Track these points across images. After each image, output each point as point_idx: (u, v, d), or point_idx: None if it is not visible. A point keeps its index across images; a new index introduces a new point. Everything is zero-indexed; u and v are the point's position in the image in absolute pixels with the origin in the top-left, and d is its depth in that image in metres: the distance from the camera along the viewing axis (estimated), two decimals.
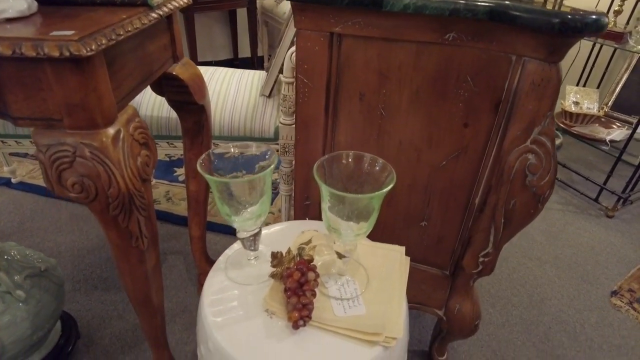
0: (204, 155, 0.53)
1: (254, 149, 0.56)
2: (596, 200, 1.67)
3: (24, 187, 1.61)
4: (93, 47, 0.47)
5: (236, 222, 0.56)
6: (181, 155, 1.84)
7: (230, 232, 1.41)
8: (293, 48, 0.98)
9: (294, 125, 1.08)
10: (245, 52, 2.84)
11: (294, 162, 1.06)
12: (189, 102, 0.82)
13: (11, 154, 1.65)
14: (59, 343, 0.97)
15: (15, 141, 1.15)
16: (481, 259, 0.79)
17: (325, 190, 0.51)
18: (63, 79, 0.49)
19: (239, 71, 1.25)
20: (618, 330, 1.17)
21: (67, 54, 0.45)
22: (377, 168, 0.53)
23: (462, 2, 0.57)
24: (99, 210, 0.55)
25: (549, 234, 1.52)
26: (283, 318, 0.55)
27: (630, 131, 1.57)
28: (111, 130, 0.53)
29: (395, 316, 0.56)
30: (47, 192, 1.58)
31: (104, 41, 0.49)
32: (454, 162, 0.74)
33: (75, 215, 1.48)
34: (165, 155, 1.85)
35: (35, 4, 0.56)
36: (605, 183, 1.64)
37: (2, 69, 0.49)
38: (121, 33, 0.53)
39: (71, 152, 0.52)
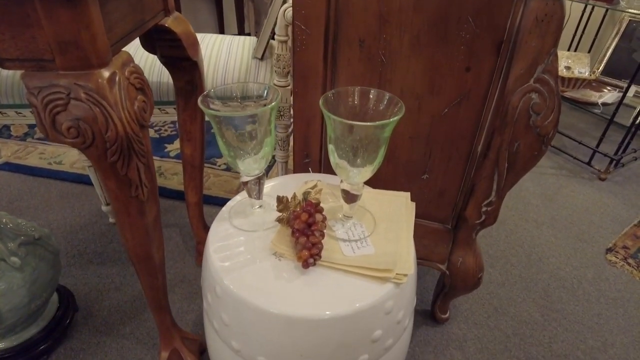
0: (205, 93, 0.51)
1: (254, 86, 0.54)
2: (589, 164, 1.69)
3: (10, 167, 1.57)
4: None
5: (239, 164, 0.55)
6: (172, 130, 1.81)
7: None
8: (286, 4, 0.95)
9: (289, 87, 1.06)
10: (231, 29, 2.78)
11: (292, 120, 1.04)
12: (181, 58, 0.80)
13: None
14: (57, 315, 0.95)
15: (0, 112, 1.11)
16: (484, 209, 0.79)
17: (333, 122, 0.49)
18: (54, 14, 0.46)
19: (228, 37, 1.22)
20: (614, 284, 1.19)
21: None
22: (384, 102, 0.52)
23: None
24: (96, 156, 0.53)
25: (544, 197, 1.53)
26: (292, 260, 0.54)
27: (621, 94, 1.58)
28: (106, 72, 0.51)
29: (405, 254, 0.55)
30: (35, 171, 1.54)
31: None
32: (456, 110, 0.73)
33: (66, 193, 1.45)
34: (155, 132, 1.81)
35: None
36: (597, 146, 1.65)
37: None
38: None
39: (65, 94, 0.49)
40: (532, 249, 1.29)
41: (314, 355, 0.50)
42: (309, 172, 0.85)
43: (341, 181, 0.55)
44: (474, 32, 0.65)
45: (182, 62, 0.81)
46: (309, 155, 0.85)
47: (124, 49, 0.58)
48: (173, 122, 1.87)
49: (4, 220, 0.82)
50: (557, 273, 1.21)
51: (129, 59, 0.57)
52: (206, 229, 1.12)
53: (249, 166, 0.55)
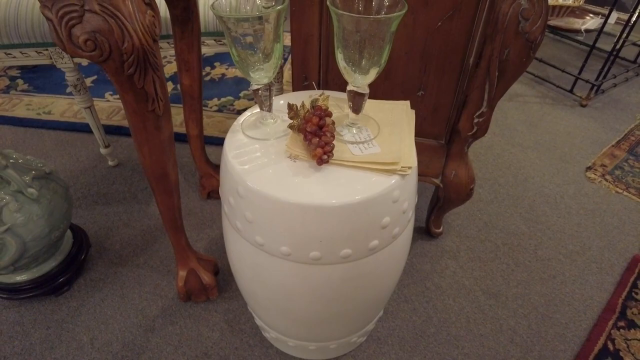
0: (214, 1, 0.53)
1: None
2: (571, 91, 1.75)
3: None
4: None
5: (250, 72, 0.57)
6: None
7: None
8: None
9: (279, 7, 1.06)
10: None
11: (290, 39, 1.05)
12: None
13: None
14: (72, 250, 1.00)
15: None
16: (476, 120, 0.84)
17: (340, 19, 0.52)
18: None
19: None
20: (592, 197, 1.28)
21: None
22: (387, 3, 0.54)
23: None
24: (113, 69, 0.55)
25: (529, 124, 1.59)
26: (306, 160, 0.58)
27: (602, 20, 1.61)
28: None
29: (408, 150, 0.60)
30: (24, 122, 1.53)
31: None
32: (449, 23, 0.76)
33: (61, 141, 1.45)
34: None
35: None
36: (579, 73, 1.71)
37: None
38: None
39: (79, 5, 0.51)
40: (518, 171, 1.37)
41: (331, 240, 0.56)
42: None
43: (348, 84, 0.59)
44: None
45: None
46: (307, 78, 0.87)
47: None
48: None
49: (14, 156, 0.84)
50: (542, 190, 1.30)
51: None
52: (208, 162, 1.16)
53: (259, 74, 0.57)
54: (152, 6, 0.59)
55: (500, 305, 0.98)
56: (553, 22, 1.75)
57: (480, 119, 0.83)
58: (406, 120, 0.67)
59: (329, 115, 0.59)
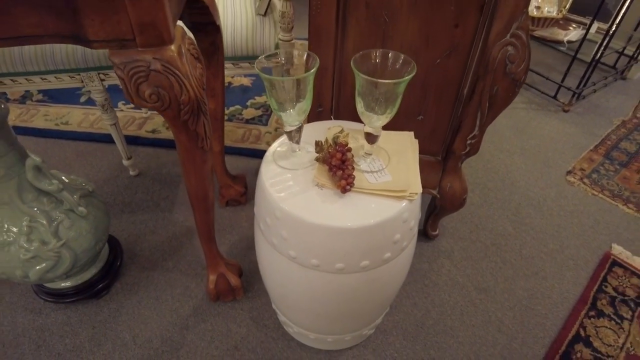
0: (260, 58, 0.64)
1: (296, 53, 0.67)
2: (554, 97, 1.88)
3: (18, 131, 1.63)
4: None
5: (283, 116, 0.69)
6: None
7: (241, 154, 1.53)
8: None
9: (293, 41, 1.17)
10: None
11: None
12: (207, 22, 0.90)
13: None
14: (109, 258, 1.11)
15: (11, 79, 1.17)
16: (469, 142, 0.96)
17: (360, 79, 0.63)
18: (137, 1, 0.57)
19: None
20: (572, 200, 1.43)
21: None
22: (400, 62, 0.66)
23: None
24: (171, 116, 0.66)
25: (515, 129, 1.73)
26: (331, 189, 0.70)
27: (584, 31, 1.74)
28: (175, 47, 0.63)
29: (414, 178, 0.72)
30: (44, 133, 1.62)
31: None
32: (447, 60, 0.88)
33: (81, 151, 1.54)
34: None
35: None
36: (562, 81, 1.84)
37: None
38: None
39: (146, 66, 0.61)
40: (505, 175, 1.51)
41: (353, 254, 0.68)
42: (321, 120, 0.99)
43: (364, 125, 0.71)
44: None
45: (207, 26, 0.91)
46: (321, 105, 0.99)
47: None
48: None
49: (62, 178, 0.95)
50: (526, 194, 1.44)
51: (184, 32, 0.68)
52: (227, 174, 1.27)
53: (292, 118, 0.69)
54: (200, 59, 0.70)
55: (490, 299, 1.12)
56: (538, 32, 1.88)
57: (473, 141, 0.96)
58: (411, 149, 0.79)
59: (349, 150, 0.71)
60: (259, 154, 1.52)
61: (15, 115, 1.72)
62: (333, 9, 0.83)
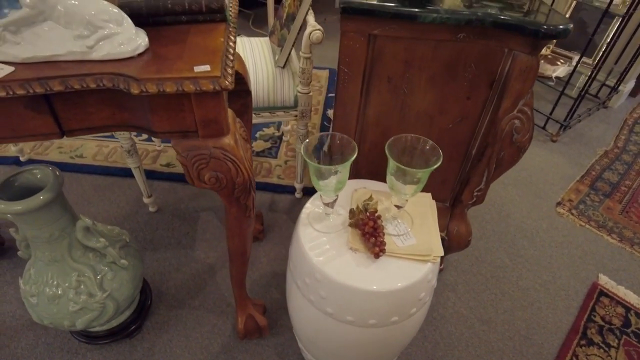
0: (306, 143, 0.74)
1: (339, 141, 0.77)
2: (544, 127, 2.02)
3: (33, 163, 1.67)
4: (229, 79, 0.64)
5: (323, 190, 0.78)
6: None
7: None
8: (309, 28, 1.13)
9: (311, 94, 1.26)
10: None
11: (308, 124, 1.25)
12: (241, 90, 0.98)
13: None
14: (141, 299, 1.18)
15: None
16: (476, 193, 1.07)
17: (392, 164, 0.73)
18: (203, 103, 0.65)
19: (246, 41, 1.37)
20: (561, 231, 1.55)
21: (218, 88, 0.62)
22: (428, 147, 0.76)
23: (475, 14, 0.78)
24: (226, 194, 0.74)
25: None
26: (364, 253, 0.80)
27: (571, 68, 1.87)
28: (232, 136, 0.71)
29: (436, 241, 0.82)
30: (60, 166, 1.66)
31: (230, 71, 0.65)
32: (458, 125, 0.98)
33: (98, 186, 1.60)
34: None
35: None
36: (551, 113, 1.97)
37: (152, 98, 0.64)
38: (232, 57, 0.69)
39: (207, 154, 0.70)
40: (501, 207, 1.62)
41: (385, 312, 0.77)
42: None
43: (392, 197, 0.80)
44: (475, 73, 0.89)
45: (241, 92, 1.00)
46: None
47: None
48: None
49: (103, 231, 1.01)
50: (521, 225, 1.56)
51: (234, 115, 0.77)
52: None
53: (331, 193, 0.78)
54: (248, 139, 0.78)
55: (491, 330, 1.23)
56: None
57: (479, 193, 1.07)
58: (430, 211, 0.89)
59: (379, 217, 0.81)
60: (271, 188, 1.60)
61: (30, 148, 1.76)
62: (359, 83, 0.92)
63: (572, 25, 0.77)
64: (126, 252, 1.03)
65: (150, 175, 1.64)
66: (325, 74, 2.35)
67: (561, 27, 0.75)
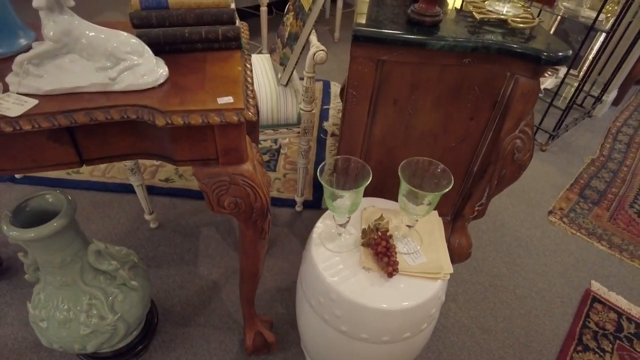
0: (322, 166, 0.76)
1: (353, 165, 0.79)
2: (533, 137, 2.08)
3: (29, 180, 1.66)
4: (252, 111, 0.65)
5: (337, 212, 0.80)
6: None
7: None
8: (313, 49, 1.16)
9: (313, 111, 1.28)
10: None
11: (310, 139, 1.26)
12: None
13: None
14: (148, 318, 1.18)
15: None
16: (477, 208, 1.11)
17: (405, 186, 0.76)
18: (226, 133, 0.67)
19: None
20: (554, 239, 1.60)
21: (243, 120, 0.63)
22: (439, 170, 0.79)
23: (480, 41, 0.81)
24: (244, 218, 0.76)
25: None
26: (377, 272, 0.82)
27: (559, 80, 1.94)
28: (250, 163, 0.73)
29: (445, 259, 0.85)
30: (56, 183, 1.65)
31: (252, 102, 0.67)
32: (461, 144, 1.01)
33: (97, 202, 1.59)
34: None
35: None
36: (540, 124, 2.04)
37: (175, 129, 0.66)
38: (251, 86, 0.71)
39: (227, 181, 0.71)
40: (496, 217, 1.67)
41: (398, 329, 0.80)
42: None
43: (403, 216, 0.83)
44: (478, 96, 0.92)
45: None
46: None
47: None
48: None
49: (113, 253, 1.02)
50: (516, 234, 1.60)
51: (250, 141, 0.79)
52: None
53: (344, 214, 0.80)
54: (262, 163, 0.80)
55: (492, 339, 1.26)
56: None
57: (480, 207, 1.10)
58: (437, 228, 0.92)
59: (391, 237, 0.83)
60: (271, 202, 1.61)
61: None
62: (366, 105, 0.95)
63: (570, 52, 0.81)
64: (135, 273, 1.03)
65: (150, 190, 1.63)
66: (319, 85, 2.38)
67: (561, 54, 0.80)
